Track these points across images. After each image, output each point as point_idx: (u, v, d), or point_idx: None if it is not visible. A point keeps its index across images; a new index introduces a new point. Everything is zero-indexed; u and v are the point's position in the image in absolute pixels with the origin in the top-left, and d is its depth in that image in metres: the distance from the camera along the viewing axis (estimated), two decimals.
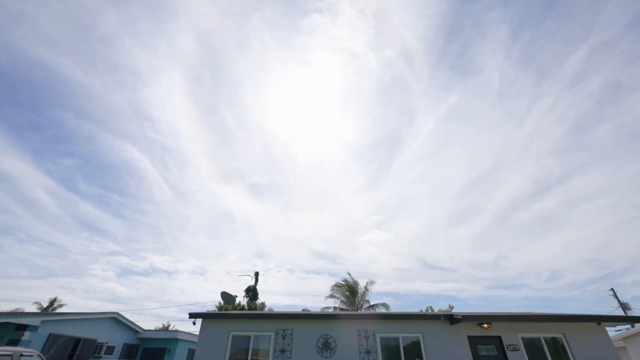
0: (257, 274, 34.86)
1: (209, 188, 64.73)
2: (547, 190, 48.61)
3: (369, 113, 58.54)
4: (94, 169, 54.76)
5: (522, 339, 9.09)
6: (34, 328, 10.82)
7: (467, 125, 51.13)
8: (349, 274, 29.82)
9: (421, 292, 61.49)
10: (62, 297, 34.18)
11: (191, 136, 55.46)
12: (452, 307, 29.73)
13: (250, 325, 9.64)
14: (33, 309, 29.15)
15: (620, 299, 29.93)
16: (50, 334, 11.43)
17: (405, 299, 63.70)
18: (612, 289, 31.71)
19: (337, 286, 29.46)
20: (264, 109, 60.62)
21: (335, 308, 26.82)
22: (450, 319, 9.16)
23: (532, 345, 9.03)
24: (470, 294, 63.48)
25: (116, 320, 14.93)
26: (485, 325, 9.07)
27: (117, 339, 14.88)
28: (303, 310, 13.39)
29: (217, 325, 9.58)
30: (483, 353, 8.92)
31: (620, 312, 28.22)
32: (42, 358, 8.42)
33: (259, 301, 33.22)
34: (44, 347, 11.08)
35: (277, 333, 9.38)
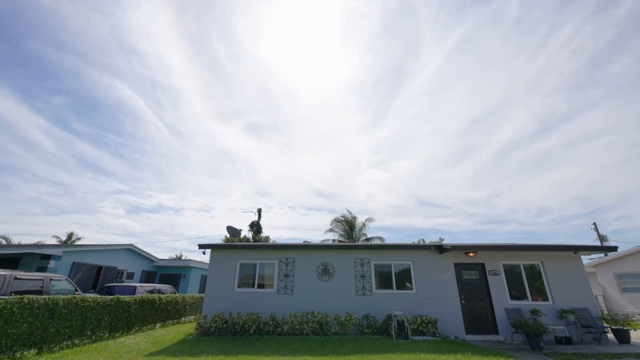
0: (259, 210, 36.42)
1: (207, 127, 63.59)
2: (550, 130, 47.90)
3: (371, 46, 53.99)
4: (87, 108, 52.94)
5: (503, 265, 10.01)
6: (57, 257, 11.85)
7: (476, 59, 47.66)
8: (348, 210, 31.45)
9: (415, 227, 65.56)
10: (78, 232, 36.61)
11: (182, 71, 52.15)
12: (442, 239, 32.03)
13: (255, 254, 10.50)
14: (53, 242, 31.46)
15: (601, 232, 32.07)
16: (73, 263, 12.58)
17: (399, 232, 68.17)
18: (594, 223, 33.67)
19: (337, 221, 31.31)
20: (258, 40, 55.71)
21: (334, 241, 28.96)
22: (440, 248, 9.93)
23: (511, 271, 9.98)
24: (460, 228, 67.70)
25: (131, 250, 16.28)
26: (471, 254, 9.88)
27: (135, 267, 16.46)
28: (304, 241, 14.35)
29: (225, 255, 10.44)
30: (466, 277, 9.92)
31: (598, 244, 30.41)
32: (69, 282, 9.37)
33: (263, 235, 35.45)
34: (69, 274, 12.29)
35: (280, 261, 10.28)
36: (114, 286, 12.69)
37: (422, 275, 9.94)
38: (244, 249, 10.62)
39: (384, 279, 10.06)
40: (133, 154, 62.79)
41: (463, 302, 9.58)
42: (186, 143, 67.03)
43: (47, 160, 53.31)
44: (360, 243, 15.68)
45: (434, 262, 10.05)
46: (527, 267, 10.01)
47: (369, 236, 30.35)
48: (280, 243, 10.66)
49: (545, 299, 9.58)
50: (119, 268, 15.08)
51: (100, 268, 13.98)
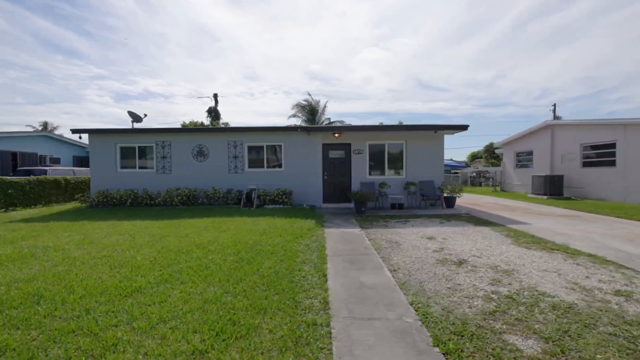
0: (215, 96, 35.37)
1: None
2: None
3: None
4: None
5: (370, 145, 10.46)
6: None
7: None
8: (309, 94, 30.90)
9: (411, 112, 64.70)
10: (68, 122, 36.06)
11: None
12: (407, 121, 32.39)
13: (133, 138, 10.71)
14: (28, 130, 31.37)
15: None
16: None
17: (394, 118, 68.02)
18: (554, 104, 33.41)
19: (299, 106, 30.91)
20: None
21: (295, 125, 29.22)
22: (306, 130, 10.12)
23: (376, 150, 10.52)
24: (457, 112, 67.15)
25: (50, 137, 16.44)
26: (336, 135, 10.17)
27: (61, 153, 16.99)
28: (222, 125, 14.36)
29: (104, 139, 10.65)
30: (332, 156, 10.54)
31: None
32: None
33: (222, 121, 35.34)
34: None
35: (157, 144, 10.61)
36: (33, 169, 13.48)
37: (291, 154, 10.50)
38: (122, 133, 10.74)
39: (255, 158, 10.69)
40: (99, 30, 55.18)
41: (326, 177, 10.51)
42: (156, 15, 57.91)
43: (2, 40, 47.30)
44: (232, 126, 15.79)
45: (303, 143, 10.44)
46: (392, 146, 10.49)
47: (332, 120, 30.73)
48: (156, 127, 10.74)
49: (401, 173, 10.50)
50: (40, 154, 15.64)
51: (15, 154, 14.50)
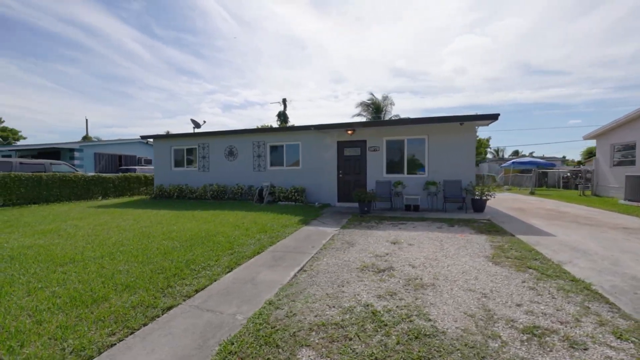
0: (284, 100, 38.27)
1: (270, 10, 61.12)
2: None
3: None
4: (160, 10, 56.97)
5: (387, 141, 9.74)
6: (80, 150, 16.58)
7: None
8: (372, 94, 31.12)
9: (516, 102, 55.95)
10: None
11: None
12: (493, 118, 28.83)
13: (182, 141, 12.66)
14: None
15: None
16: (95, 153, 17.37)
17: (493, 110, 61.05)
18: None
19: (364, 105, 31.08)
20: None
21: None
22: (320, 128, 10.10)
23: (394, 147, 9.73)
24: (581, 99, 54.79)
25: (142, 143, 20.69)
26: (349, 132, 9.84)
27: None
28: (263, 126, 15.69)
29: (163, 143, 12.93)
30: (347, 154, 10.22)
31: None
32: (69, 165, 13.58)
33: (289, 124, 37.83)
34: (94, 161, 17.23)
35: (199, 146, 12.27)
36: (129, 168, 17.39)
37: (307, 153, 10.66)
38: (174, 137, 12.82)
39: (276, 157, 11.24)
40: (210, 52, 68.23)
41: (340, 175, 10.29)
42: (254, 33, 67.51)
43: (147, 69, 63.98)
44: (256, 127, 16.22)
45: (319, 142, 10.46)
46: (412, 142, 9.51)
47: (401, 117, 29.99)
48: (198, 132, 12.36)
49: (422, 172, 9.44)
50: (138, 156, 19.90)
51: (120, 157, 18.86)
